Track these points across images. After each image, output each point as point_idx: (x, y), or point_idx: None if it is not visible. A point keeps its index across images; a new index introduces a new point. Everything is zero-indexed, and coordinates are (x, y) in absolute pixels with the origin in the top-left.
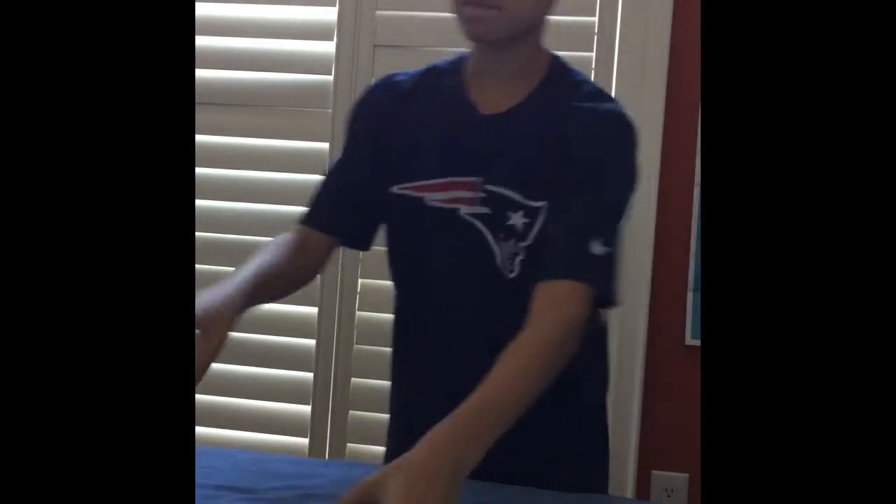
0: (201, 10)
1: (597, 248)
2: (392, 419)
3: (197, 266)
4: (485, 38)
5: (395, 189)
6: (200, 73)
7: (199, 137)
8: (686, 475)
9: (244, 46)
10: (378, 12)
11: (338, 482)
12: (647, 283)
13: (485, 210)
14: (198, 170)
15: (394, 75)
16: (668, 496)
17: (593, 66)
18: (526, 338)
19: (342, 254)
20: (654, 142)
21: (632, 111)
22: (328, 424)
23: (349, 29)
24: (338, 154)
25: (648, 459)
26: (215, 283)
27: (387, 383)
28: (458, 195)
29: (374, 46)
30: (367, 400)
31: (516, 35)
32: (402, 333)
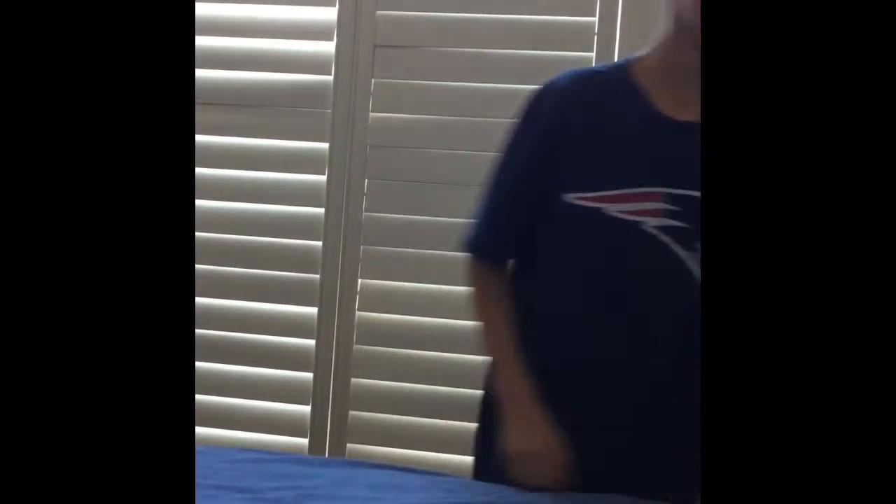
0: (201, 10)
1: None
2: None
3: (197, 266)
4: None
5: (571, 198)
6: (200, 73)
7: (199, 137)
8: None
9: (244, 46)
10: (378, 12)
11: (338, 482)
12: None
13: (674, 223)
14: (198, 170)
15: (553, 82)
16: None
17: (593, 66)
18: None
19: (342, 253)
20: None
21: None
22: (328, 424)
23: (349, 29)
24: (506, 151)
25: None
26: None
27: (386, 383)
28: (643, 207)
29: (374, 46)
30: (367, 400)
31: None
32: (543, 331)
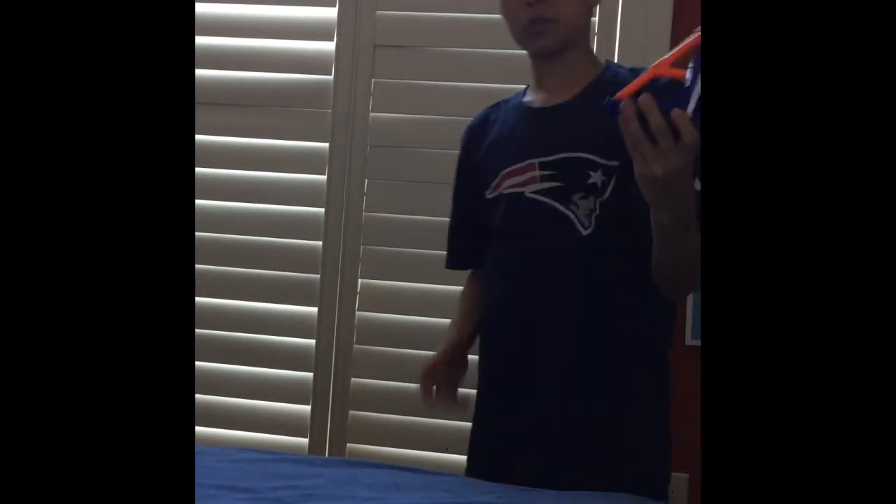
0: (201, 10)
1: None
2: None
3: (197, 266)
4: (546, 51)
5: (487, 195)
6: (200, 73)
7: (199, 137)
8: (686, 475)
9: (244, 46)
10: (378, 12)
11: (338, 482)
12: None
13: (550, 185)
14: (198, 170)
15: (477, 117)
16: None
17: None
18: None
19: (342, 253)
20: None
21: None
22: (328, 424)
23: (349, 29)
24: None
25: None
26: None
27: (386, 383)
28: (524, 178)
29: (374, 46)
30: (367, 400)
31: (568, 44)
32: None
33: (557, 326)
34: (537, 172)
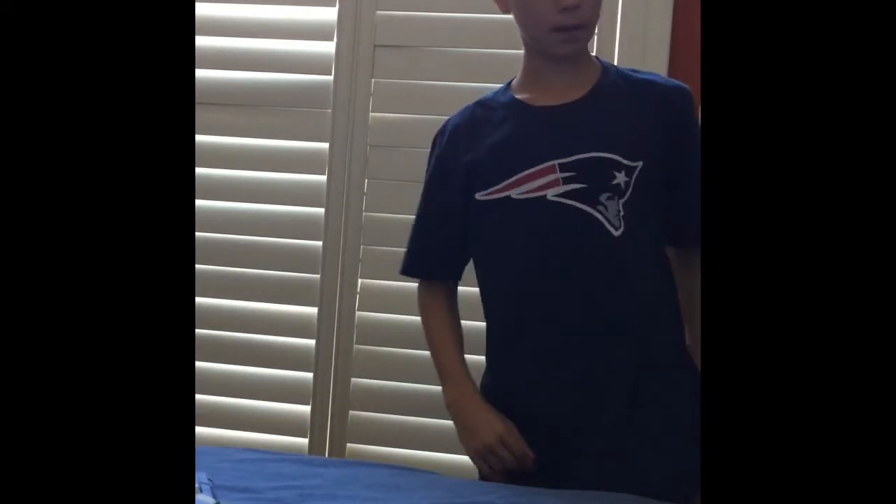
0: (201, 10)
1: None
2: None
3: (197, 266)
4: (573, 55)
5: (480, 196)
6: (200, 73)
7: (199, 137)
8: None
9: (244, 46)
10: (378, 12)
11: (338, 482)
12: None
13: (574, 186)
14: (198, 170)
15: (449, 119)
16: None
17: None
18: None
19: (342, 253)
20: None
21: None
22: (328, 424)
23: (349, 29)
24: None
25: None
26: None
27: (386, 383)
28: (543, 182)
29: (374, 46)
30: (367, 400)
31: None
32: (506, 320)
33: (593, 329)
34: (558, 174)
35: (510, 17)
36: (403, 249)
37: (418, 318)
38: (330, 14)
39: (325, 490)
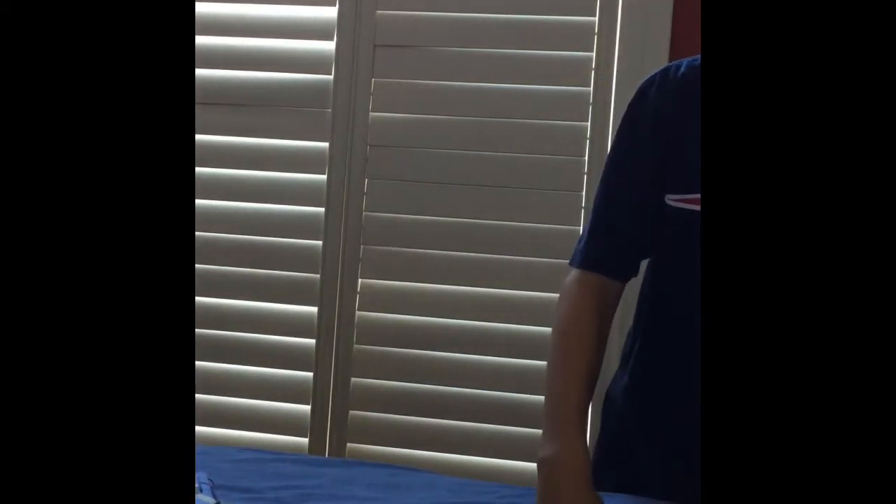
0: (201, 9)
1: None
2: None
3: (197, 266)
4: None
5: (670, 200)
6: (200, 73)
7: (199, 137)
8: None
9: (244, 46)
10: (378, 12)
11: (338, 482)
12: None
13: None
14: (198, 170)
15: (668, 68)
16: None
17: (593, 66)
18: None
19: (342, 253)
20: None
21: None
22: (328, 424)
23: (349, 29)
24: (616, 157)
25: None
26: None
27: (386, 383)
28: None
29: (374, 46)
30: (367, 400)
31: None
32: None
33: None
34: None
35: (510, 16)
36: (403, 249)
37: (418, 318)
38: (330, 13)
39: (325, 490)
